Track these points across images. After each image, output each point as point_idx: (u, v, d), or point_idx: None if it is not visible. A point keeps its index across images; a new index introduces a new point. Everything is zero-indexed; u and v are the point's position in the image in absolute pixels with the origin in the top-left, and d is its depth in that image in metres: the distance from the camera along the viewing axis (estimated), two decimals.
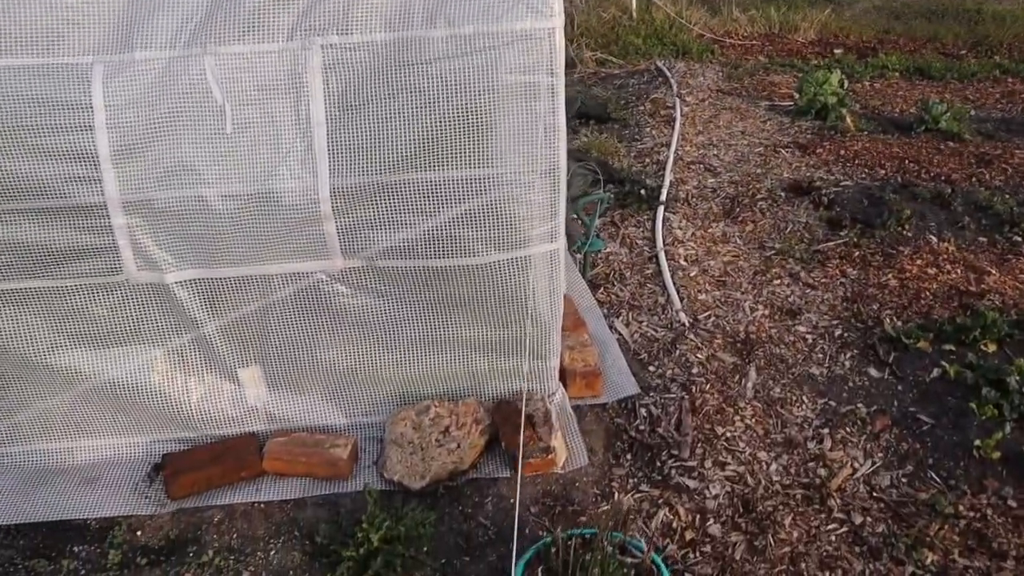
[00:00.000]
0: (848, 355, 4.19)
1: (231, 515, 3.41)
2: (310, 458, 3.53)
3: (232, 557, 3.24)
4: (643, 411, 3.88)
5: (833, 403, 3.88)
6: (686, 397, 3.93)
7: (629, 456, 3.65)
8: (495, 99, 3.15)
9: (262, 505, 3.45)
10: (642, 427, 3.79)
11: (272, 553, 3.25)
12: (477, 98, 3.13)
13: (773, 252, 5.08)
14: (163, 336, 3.50)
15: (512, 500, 3.44)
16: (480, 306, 3.51)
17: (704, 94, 7.78)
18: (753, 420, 3.80)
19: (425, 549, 3.21)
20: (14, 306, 3.37)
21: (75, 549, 3.28)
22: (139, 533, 3.36)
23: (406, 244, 3.36)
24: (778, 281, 4.80)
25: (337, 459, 3.50)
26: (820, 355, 4.20)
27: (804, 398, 3.92)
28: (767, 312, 4.53)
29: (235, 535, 3.33)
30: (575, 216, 4.86)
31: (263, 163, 3.22)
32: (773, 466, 3.54)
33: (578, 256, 4.89)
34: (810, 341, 4.30)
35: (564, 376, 3.91)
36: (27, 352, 3.43)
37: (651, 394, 3.98)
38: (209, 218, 3.24)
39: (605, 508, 3.40)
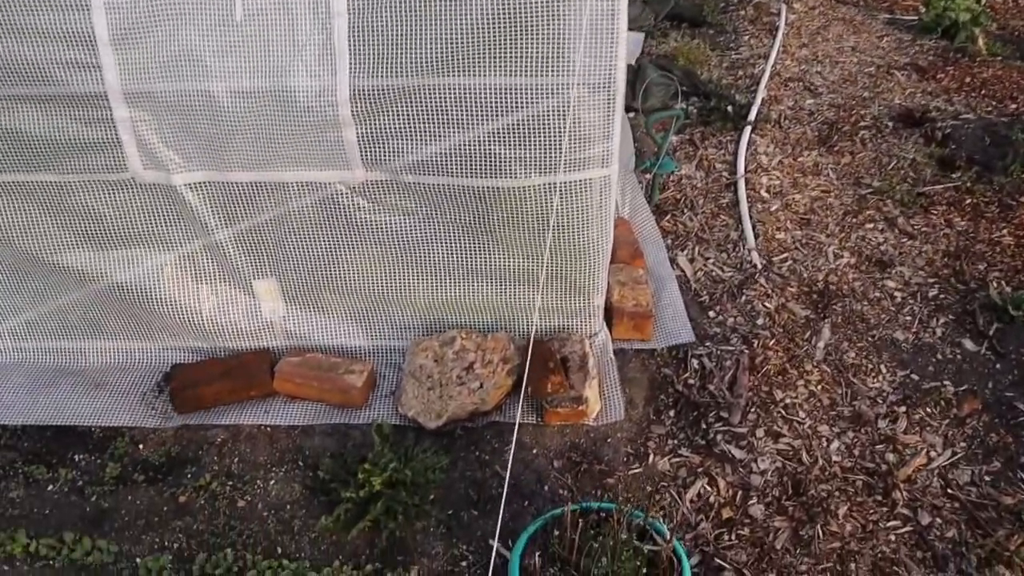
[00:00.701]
0: (941, 321, 3.59)
1: (235, 436, 3.19)
2: (322, 383, 3.24)
3: (230, 483, 3.02)
4: (695, 363, 3.43)
5: (915, 377, 3.34)
6: (746, 352, 3.45)
7: (672, 413, 3.24)
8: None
9: (268, 429, 3.20)
10: (691, 381, 3.35)
11: (272, 483, 3.02)
12: None
13: (870, 191, 4.42)
14: (173, 241, 3.22)
15: (535, 451, 3.10)
16: (517, 233, 3.08)
17: (815, 1, 6.87)
18: (819, 387, 3.31)
19: (432, 497, 2.92)
20: (20, 200, 3.12)
21: (76, 458, 3.12)
22: (141, 447, 3.17)
23: (435, 159, 2.93)
24: (871, 225, 4.17)
25: (350, 387, 3.21)
26: (908, 318, 3.62)
27: (882, 367, 3.39)
28: (853, 261, 3.95)
29: (236, 459, 3.10)
30: (646, 132, 4.31)
31: (276, 57, 2.80)
32: (835, 444, 3.06)
33: (645, 177, 4.36)
34: (899, 300, 3.72)
35: (610, 314, 3.48)
36: (34, 249, 3.20)
37: (707, 344, 3.52)
38: (217, 116, 2.88)
39: (636, 470, 3.02)
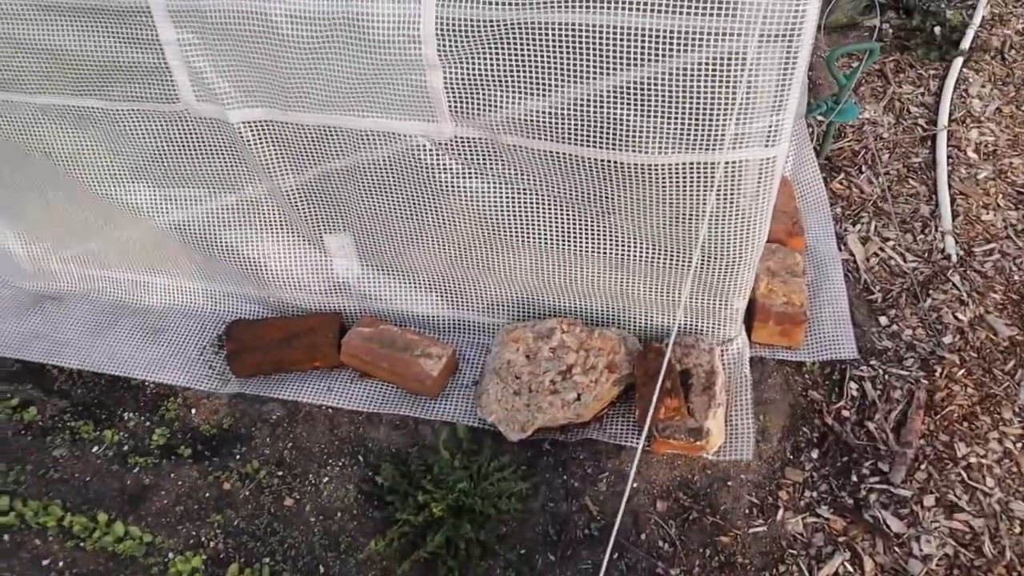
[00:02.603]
0: None
1: (293, 415, 2.71)
2: (393, 364, 2.68)
3: (280, 474, 2.56)
4: (854, 388, 2.64)
5: None
6: (924, 382, 2.63)
7: (815, 454, 2.50)
8: None
9: (330, 410, 2.71)
10: (846, 413, 2.58)
11: (325, 480, 2.54)
12: None
13: None
14: (235, 183, 2.65)
15: (636, 483, 2.47)
16: (643, 218, 2.32)
17: None
18: (1020, 446, 2.47)
19: (503, 531, 2.38)
20: (70, 127, 2.62)
21: (125, 416, 2.74)
22: (194, 412, 2.75)
23: (542, 117, 2.17)
24: None
25: (425, 375, 2.63)
26: None
27: None
28: None
29: (290, 444, 2.63)
30: (827, 66, 3.32)
31: None
32: None
33: (819, 121, 3.40)
34: None
35: (752, 310, 2.72)
36: (88, 181, 2.73)
37: (872, 363, 2.70)
38: (276, 44, 2.20)
39: (759, 528, 2.34)
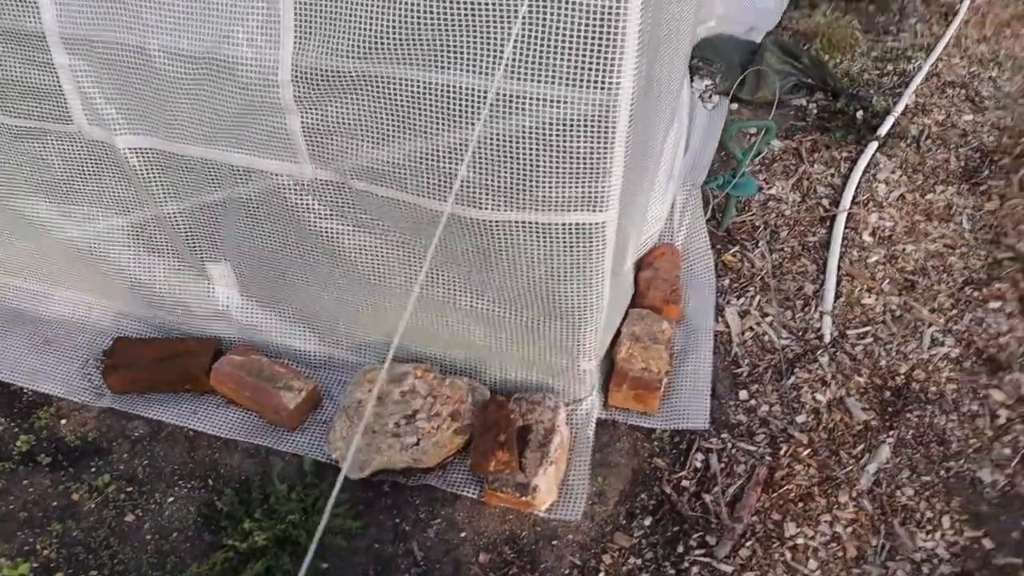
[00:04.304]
0: None
1: (155, 433, 2.72)
2: (255, 394, 2.70)
3: (128, 490, 2.57)
4: (699, 458, 2.61)
5: (988, 544, 2.36)
6: (767, 459, 2.60)
7: (648, 522, 2.47)
8: None
9: (192, 432, 2.73)
10: (686, 483, 2.55)
11: (170, 500, 2.54)
12: None
13: (1009, 256, 3.26)
14: (125, 205, 2.70)
15: (464, 533, 2.44)
16: (485, 272, 2.34)
17: None
18: (849, 530, 2.42)
19: (324, 567, 2.36)
20: None
21: None
22: (63, 422, 2.77)
23: (387, 167, 2.21)
24: (996, 305, 3.07)
25: (283, 407, 2.64)
26: (1007, 451, 2.59)
27: (946, 519, 2.44)
28: (956, 352, 2.91)
29: (146, 462, 2.64)
30: (725, 140, 3.33)
31: (216, 19, 2.14)
32: None
33: (715, 194, 3.40)
34: (1001, 422, 2.69)
35: (612, 372, 2.71)
36: None
37: (723, 435, 2.67)
38: (155, 77, 2.26)
39: None
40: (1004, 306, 3.07)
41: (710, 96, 4.01)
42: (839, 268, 3.21)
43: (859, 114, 3.94)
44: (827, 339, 2.96)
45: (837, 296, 3.11)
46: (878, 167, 3.69)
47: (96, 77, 2.38)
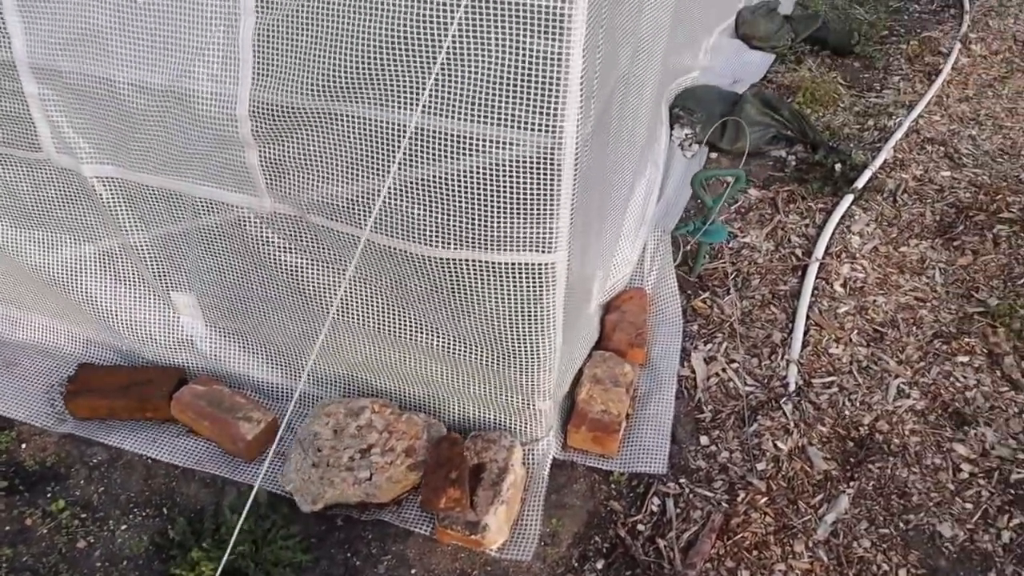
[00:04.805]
0: (1015, 522, 2.51)
1: (114, 460, 2.71)
2: (214, 424, 2.69)
3: (82, 516, 2.54)
4: (656, 502, 2.58)
5: None
6: (724, 506, 2.57)
7: (600, 565, 2.42)
8: (471, 24, 1.84)
9: (150, 460, 2.72)
10: (641, 528, 2.52)
11: (123, 528, 2.52)
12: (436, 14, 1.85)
13: (980, 310, 3.26)
14: (91, 233, 2.74)
15: (415, 571, 2.41)
16: (439, 309, 2.35)
17: (1002, 43, 5.33)
18: None
19: None
20: None
21: None
22: (24, 446, 2.76)
23: (342, 203, 2.24)
24: (964, 359, 3.05)
25: (240, 438, 2.63)
26: (968, 506, 2.56)
27: (903, 572, 2.38)
28: (921, 405, 2.88)
29: (103, 489, 2.63)
30: (697, 187, 3.34)
31: (178, 53, 2.19)
32: None
33: (687, 240, 3.41)
34: (964, 476, 2.65)
35: (572, 414, 2.70)
36: None
37: (681, 480, 2.64)
38: (120, 108, 2.32)
39: None
40: (972, 360, 3.05)
41: (690, 144, 4.06)
42: (808, 317, 3.21)
43: (837, 167, 3.97)
44: (792, 387, 2.93)
45: (804, 345, 3.10)
46: (853, 219, 3.71)
47: (64, 106, 2.44)
